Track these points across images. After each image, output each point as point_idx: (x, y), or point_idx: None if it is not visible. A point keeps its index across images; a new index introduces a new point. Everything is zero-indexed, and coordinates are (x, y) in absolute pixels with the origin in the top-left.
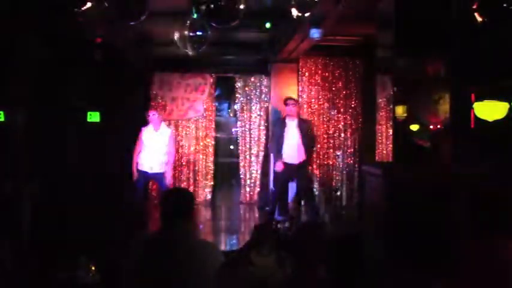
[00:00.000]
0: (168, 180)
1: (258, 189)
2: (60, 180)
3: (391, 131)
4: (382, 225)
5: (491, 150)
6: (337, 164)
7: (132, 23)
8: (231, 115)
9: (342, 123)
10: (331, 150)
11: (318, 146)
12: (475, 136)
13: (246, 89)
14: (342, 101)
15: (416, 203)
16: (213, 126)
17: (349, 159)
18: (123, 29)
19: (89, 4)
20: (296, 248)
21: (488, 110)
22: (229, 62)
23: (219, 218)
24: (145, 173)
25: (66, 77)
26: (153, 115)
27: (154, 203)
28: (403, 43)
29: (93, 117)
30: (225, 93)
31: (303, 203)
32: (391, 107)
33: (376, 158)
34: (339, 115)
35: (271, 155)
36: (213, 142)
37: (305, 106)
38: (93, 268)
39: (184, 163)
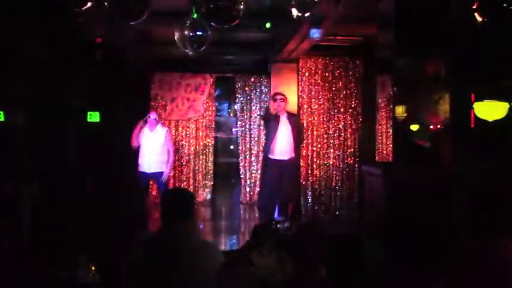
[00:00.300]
0: (163, 178)
1: (258, 189)
2: (60, 180)
3: (391, 131)
4: (382, 225)
5: (491, 150)
6: (336, 163)
7: (132, 23)
8: (231, 115)
9: (342, 123)
10: (331, 150)
11: (318, 146)
12: (475, 136)
13: (246, 89)
14: (342, 101)
15: (416, 203)
16: (213, 126)
17: (349, 159)
18: (123, 29)
19: (89, 4)
20: (296, 248)
21: (488, 110)
22: (229, 62)
23: (219, 218)
24: (145, 173)
25: (66, 77)
26: (150, 117)
27: (155, 203)
28: (403, 43)
29: (93, 117)
30: (225, 93)
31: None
32: (391, 107)
33: (376, 158)
34: (339, 115)
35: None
36: (213, 142)
37: (305, 106)
38: (93, 268)
39: (184, 163)
